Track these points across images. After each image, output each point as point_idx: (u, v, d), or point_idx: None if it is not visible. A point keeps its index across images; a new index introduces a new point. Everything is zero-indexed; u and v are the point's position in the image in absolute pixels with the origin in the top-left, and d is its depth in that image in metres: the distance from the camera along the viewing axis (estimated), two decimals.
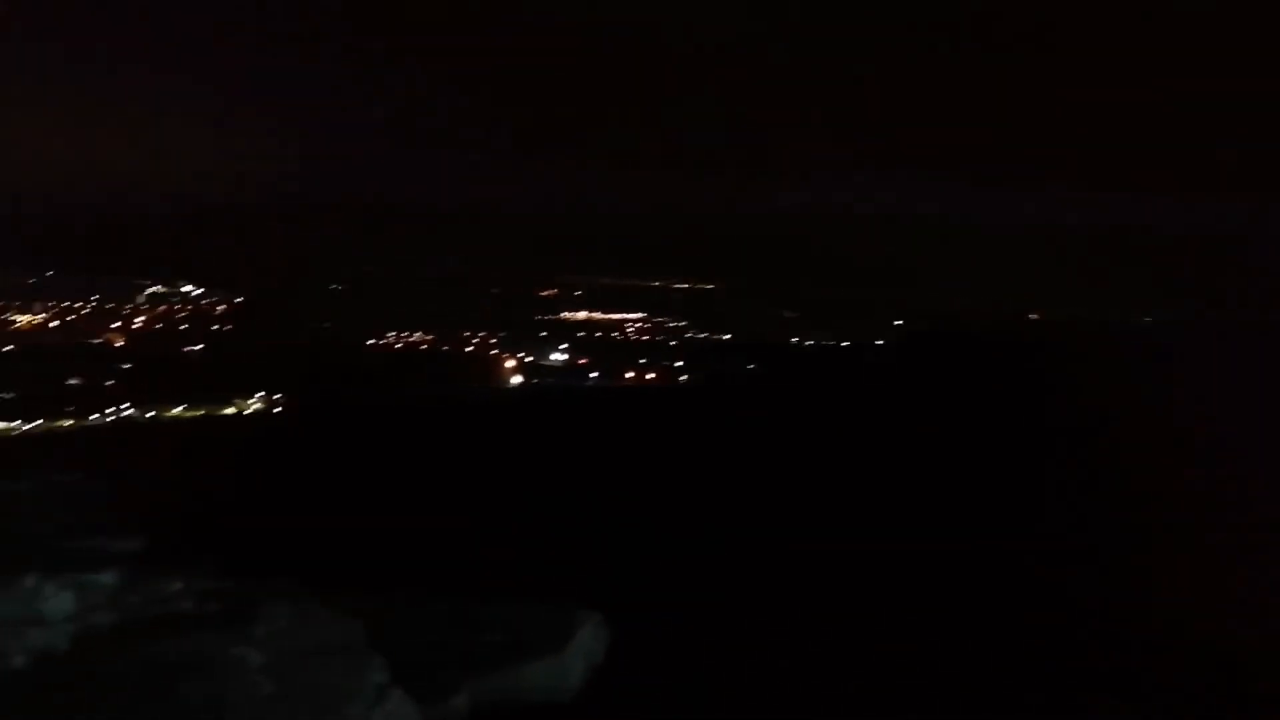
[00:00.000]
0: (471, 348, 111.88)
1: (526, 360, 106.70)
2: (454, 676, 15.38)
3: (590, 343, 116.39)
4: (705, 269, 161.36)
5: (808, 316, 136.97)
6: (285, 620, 12.68)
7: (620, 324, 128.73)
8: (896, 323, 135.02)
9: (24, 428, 73.11)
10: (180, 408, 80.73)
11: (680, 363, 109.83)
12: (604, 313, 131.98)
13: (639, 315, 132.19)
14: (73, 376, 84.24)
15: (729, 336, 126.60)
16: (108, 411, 78.33)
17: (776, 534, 40.06)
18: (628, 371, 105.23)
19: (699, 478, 49.33)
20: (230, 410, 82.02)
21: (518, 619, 17.66)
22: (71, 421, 75.61)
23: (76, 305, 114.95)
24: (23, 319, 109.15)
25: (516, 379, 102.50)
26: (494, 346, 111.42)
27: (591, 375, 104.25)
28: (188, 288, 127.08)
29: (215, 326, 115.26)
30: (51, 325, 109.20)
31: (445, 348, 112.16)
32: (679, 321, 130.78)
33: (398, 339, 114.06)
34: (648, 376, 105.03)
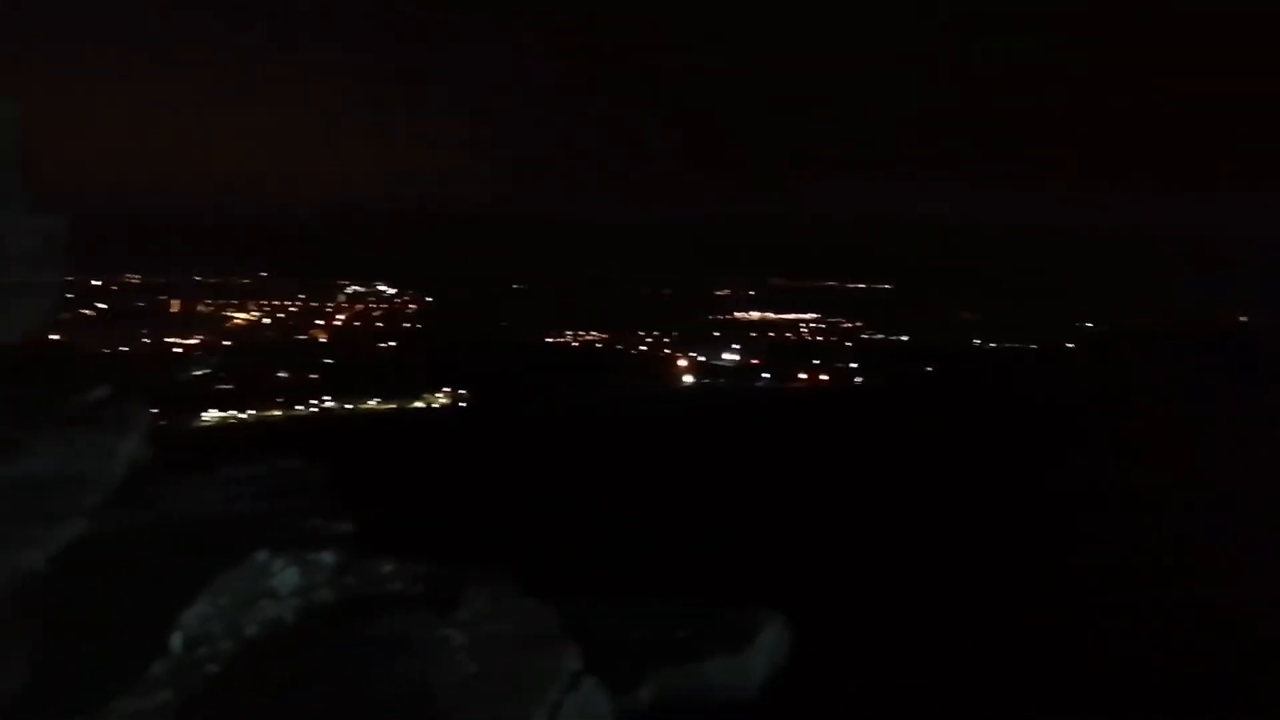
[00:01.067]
0: (645, 347, 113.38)
1: (698, 360, 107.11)
2: (640, 668, 15.56)
3: (763, 343, 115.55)
4: (882, 269, 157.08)
5: (990, 319, 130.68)
6: (485, 605, 13.19)
7: (793, 324, 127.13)
8: (1086, 325, 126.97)
9: (239, 416, 79.62)
10: (374, 401, 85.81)
11: (854, 364, 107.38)
12: (776, 313, 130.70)
13: (812, 315, 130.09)
14: (282, 370, 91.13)
15: (906, 338, 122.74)
16: (311, 403, 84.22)
17: (959, 538, 38.51)
18: (800, 372, 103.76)
19: (877, 480, 48.08)
20: (419, 404, 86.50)
21: (702, 616, 17.70)
22: (280, 412, 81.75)
23: (286, 304, 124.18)
24: (240, 316, 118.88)
25: (688, 379, 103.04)
26: (666, 346, 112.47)
27: (763, 376, 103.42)
28: (383, 288, 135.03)
29: (406, 325, 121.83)
30: (264, 322, 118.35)
31: (618, 347, 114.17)
32: (853, 322, 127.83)
33: (574, 338, 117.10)
34: (821, 378, 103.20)
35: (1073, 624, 28.24)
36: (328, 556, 12.96)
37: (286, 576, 12.63)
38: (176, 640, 11.01)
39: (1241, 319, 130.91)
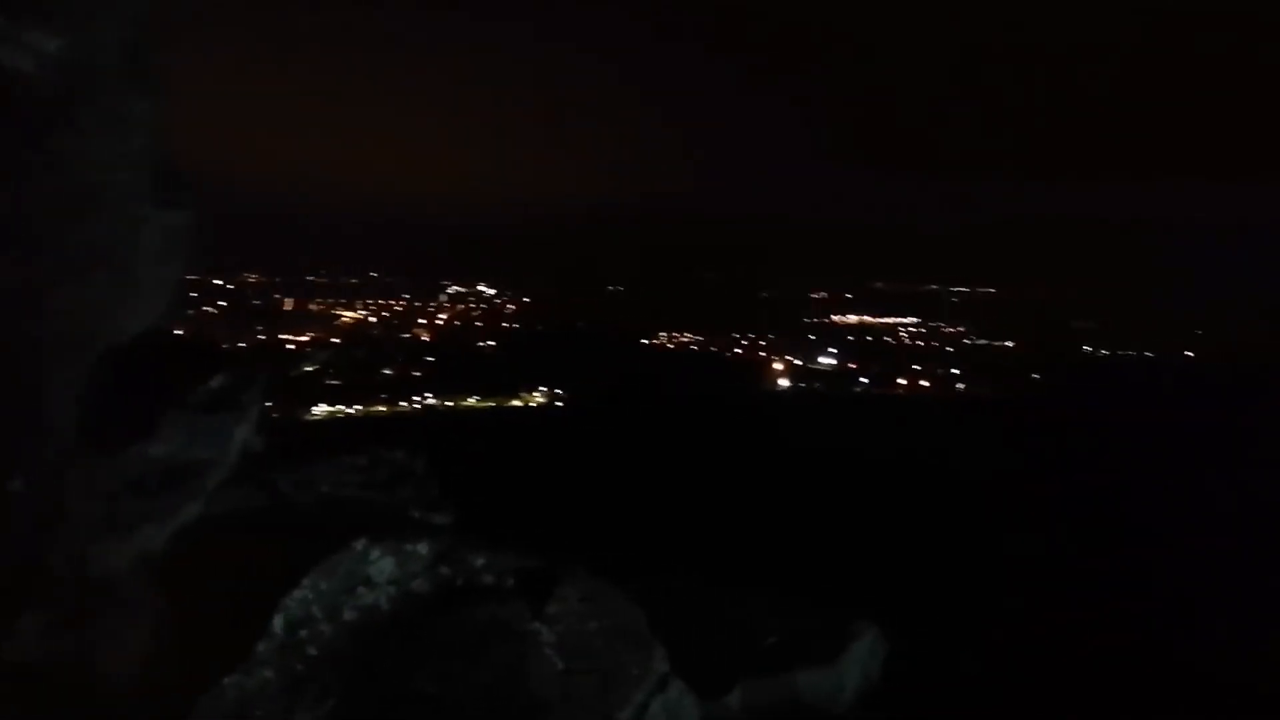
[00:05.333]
0: (740, 350, 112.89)
1: (794, 363, 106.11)
2: (729, 673, 15.37)
3: (861, 347, 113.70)
4: (987, 272, 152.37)
5: (1104, 325, 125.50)
6: (575, 601, 13.27)
7: (893, 328, 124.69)
8: (1198, 332, 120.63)
9: (346, 411, 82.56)
10: (474, 398, 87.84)
11: (955, 371, 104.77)
12: (875, 316, 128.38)
13: (912, 320, 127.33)
14: (386, 367, 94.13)
15: (1011, 344, 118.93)
16: (414, 400, 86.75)
17: (1065, 553, 37.16)
18: (899, 378, 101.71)
19: (981, 493, 46.78)
20: (517, 402, 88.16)
21: (793, 622, 17.39)
22: (385, 408, 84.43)
23: (391, 303, 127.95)
24: (348, 315, 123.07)
25: (784, 382, 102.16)
26: (762, 349, 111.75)
27: (861, 381, 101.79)
28: (482, 288, 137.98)
29: (505, 325, 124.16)
30: (371, 320, 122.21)
31: (713, 349, 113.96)
32: (956, 327, 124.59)
33: (669, 339, 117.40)
34: (921, 384, 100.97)
35: (1197, 643, 27.03)
36: (423, 547, 13.26)
37: (383, 565, 12.98)
38: (279, 622, 11.45)
39: None
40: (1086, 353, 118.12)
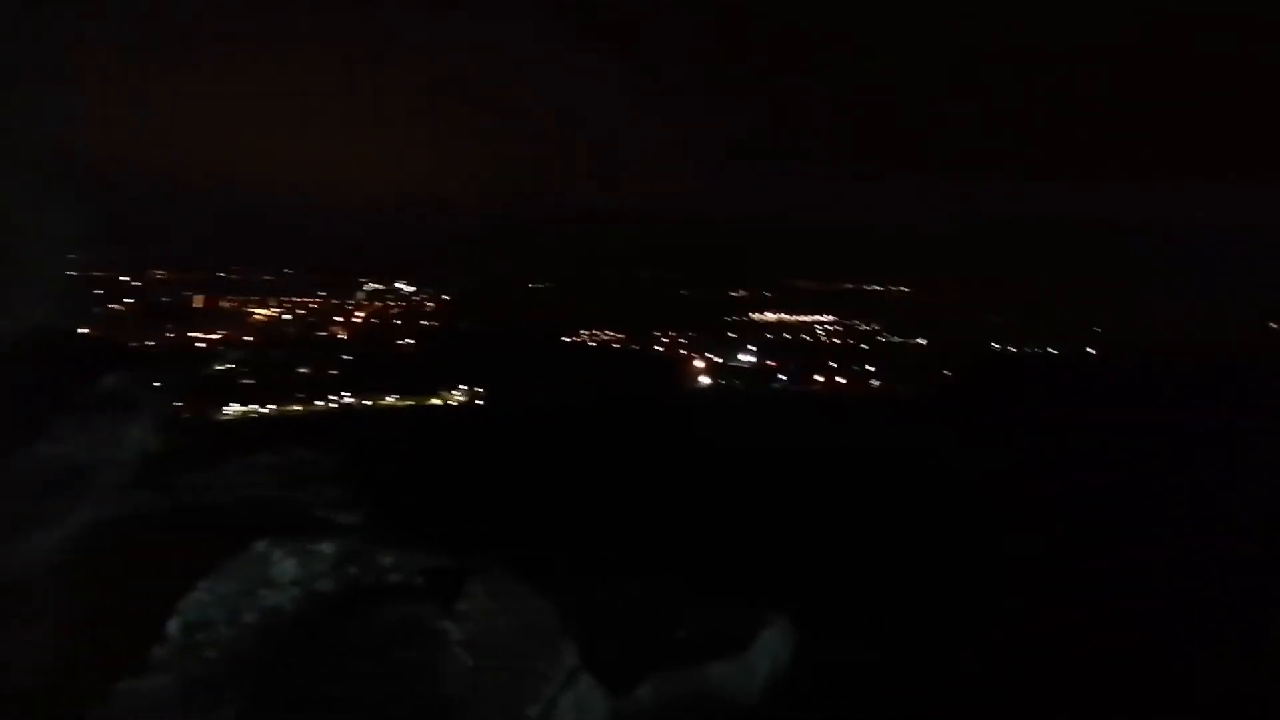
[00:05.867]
0: (661, 348, 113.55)
1: (715, 361, 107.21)
2: (640, 668, 15.63)
3: (780, 345, 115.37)
4: (902, 271, 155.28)
5: (1013, 322, 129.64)
6: (485, 598, 13.34)
7: (810, 326, 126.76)
8: (1096, 329, 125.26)
9: (261, 411, 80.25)
10: (393, 398, 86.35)
11: (872, 367, 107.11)
12: (793, 314, 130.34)
13: (830, 318, 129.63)
14: (302, 366, 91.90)
15: (924, 341, 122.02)
16: (331, 399, 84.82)
17: (968, 549, 38.34)
18: (817, 375, 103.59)
19: (891, 488, 47.89)
20: (436, 401, 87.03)
21: (705, 616, 17.74)
22: (301, 407, 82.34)
23: (306, 301, 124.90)
24: (261, 313, 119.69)
25: (704, 380, 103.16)
26: (683, 347, 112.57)
27: (780, 378, 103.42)
28: (401, 285, 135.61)
29: (424, 323, 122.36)
30: (285, 319, 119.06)
31: (635, 347, 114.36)
32: (871, 325, 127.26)
33: (590, 337, 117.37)
34: (838, 381, 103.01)
35: (1080, 630, 28.13)
36: (327, 546, 13.17)
37: (286, 566, 12.86)
38: (174, 626, 11.25)
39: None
40: (995, 349, 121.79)
